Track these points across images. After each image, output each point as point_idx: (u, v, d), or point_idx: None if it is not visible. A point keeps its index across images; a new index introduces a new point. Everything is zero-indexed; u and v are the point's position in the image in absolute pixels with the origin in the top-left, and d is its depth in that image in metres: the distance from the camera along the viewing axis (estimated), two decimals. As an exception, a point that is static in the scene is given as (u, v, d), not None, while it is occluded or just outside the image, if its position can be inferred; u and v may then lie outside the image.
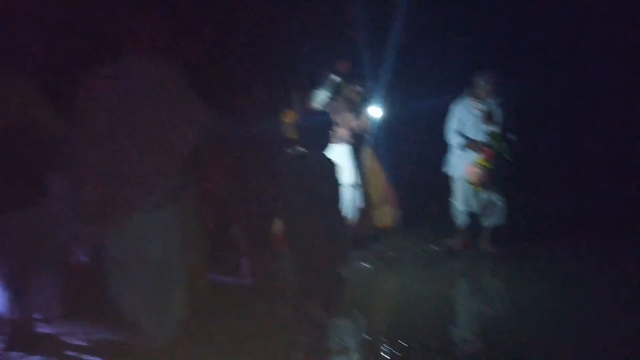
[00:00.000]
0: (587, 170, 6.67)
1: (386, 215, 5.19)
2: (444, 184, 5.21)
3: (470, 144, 4.83)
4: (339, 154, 4.62)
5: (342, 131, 4.64)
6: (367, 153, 5.05)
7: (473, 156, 4.84)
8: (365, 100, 4.95)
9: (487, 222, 5.08)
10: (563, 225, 5.68)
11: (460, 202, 5.04)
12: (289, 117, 4.13)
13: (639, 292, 4.10)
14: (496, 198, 4.98)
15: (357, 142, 4.76)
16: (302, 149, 3.20)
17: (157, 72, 2.73)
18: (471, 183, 4.87)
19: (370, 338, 3.62)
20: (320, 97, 4.54)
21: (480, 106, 4.84)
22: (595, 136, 6.75)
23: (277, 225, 3.44)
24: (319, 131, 3.20)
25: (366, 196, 4.96)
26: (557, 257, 4.93)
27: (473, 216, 5.08)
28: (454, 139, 4.91)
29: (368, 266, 4.80)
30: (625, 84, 6.71)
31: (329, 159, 3.28)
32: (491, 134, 4.78)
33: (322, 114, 3.43)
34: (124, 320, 2.90)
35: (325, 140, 3.24)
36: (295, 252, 3.24)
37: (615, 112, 6.80)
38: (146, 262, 2.72)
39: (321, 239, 3.12)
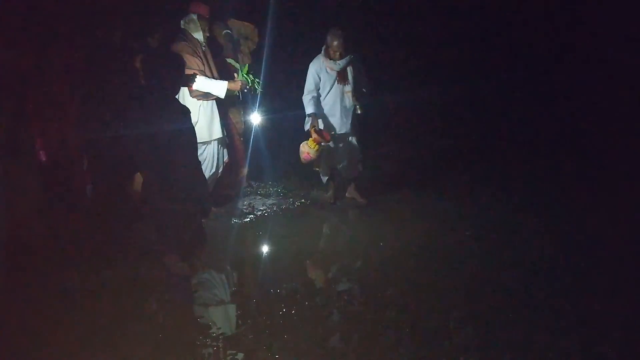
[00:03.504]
0: (442, 120, 7.19)
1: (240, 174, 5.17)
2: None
3: (312, 120, 4.86)
4: (205, 107, 4.49)
5: (203, 82, 4.41)
6: (234, 109, 4.95)
7: (330, 122, 4.93)
8: (231, 48, 4.83)
9: (350, 175, 5.26)
10: (421, 171, 6.09)
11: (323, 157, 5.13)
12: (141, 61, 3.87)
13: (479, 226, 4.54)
14: (356, 151, 5.16)
15: (223, 98, 4.59)
16: (151, 93, 3.03)
17: None
18: (303, 161, 4.90)
19: (241, 290, 3.64)
20: (180, 41, 4.36)
21: (333, 65, 4.91)
22: (446, 89, 7.24)
23: (137, 180, 3.27)
24: (169, 73, 3.04)
25: (231, 152, 4.88)
26: (417, 203, 5.27)
27: (336, 170, 5.22)
28: (304, 99, 4.96)
29: (237, 220, 4.77)
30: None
31: (180, 104, 3.16)
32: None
33: (172, 56, 3.23)
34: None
35: (174, 82, 3.10)
36: (153, 204, 3.10)
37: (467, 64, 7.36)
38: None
39: (178, 190, 3.01)
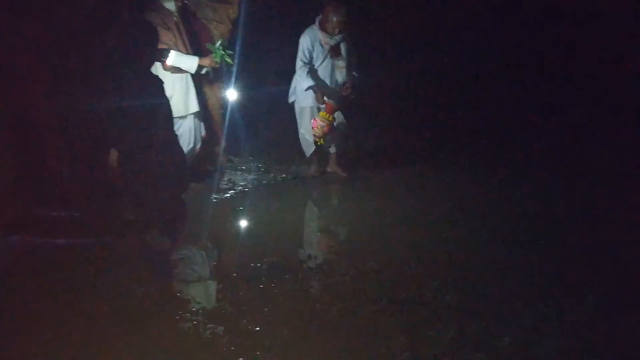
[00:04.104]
0: (427, 103, 7.15)
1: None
2: (290, 114, 5.24)
3: (317, 95, 4.84)
4: (179, 81, 4.40)
5: (175, 57, 4.29)
6: (211, 83, 4.86)
7: (315, 98, 4.87)
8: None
9: (334, 148, 5.24)
10: (401, 148, 6.09)
11: (308, 131, 5.10)
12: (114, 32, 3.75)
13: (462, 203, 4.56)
14: (343, 125, 5.14)
15: (199, 72, 4.48)
16: (124, 66, 2.96)
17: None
18: (315, 136, 4.89)
19: (220, 265, 3.62)
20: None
21: (329, 39, 4.85)
22: (438, 72, 7.20)
23: (112, 155, 3.21)
24: (143, 45, 2.97)
25: (208, 126, 4.81)
26: (399, 177, 5.27)
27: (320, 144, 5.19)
28: (300, 72, 4.89)
29: (217, 196, 4.73)
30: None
31: (155, 77, 3.10)
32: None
33: (146, 27, 3.14)
34: None
35: (148, 54, 3.03)
36: (130, 180, 3.05)
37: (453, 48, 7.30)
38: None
39: (155, 164, 2.96)
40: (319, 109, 4.97)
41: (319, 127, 4.81)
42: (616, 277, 3.28)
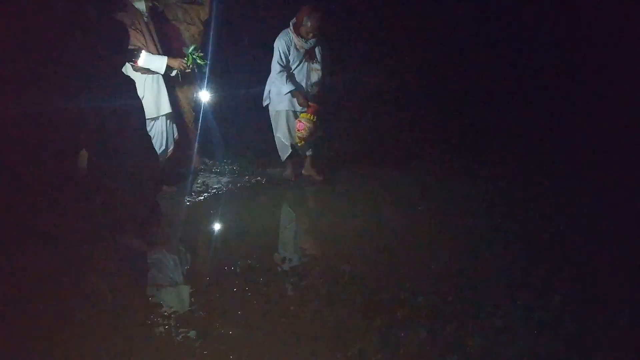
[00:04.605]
0: (407, 106, 7.21)
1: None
2: (265, 117, 5.22)
3: (298, 98, 4.87)
4: (150, 82, 4.34)
5: (146, 58, 4.24)
6: (182, 84, 4.81)
7: (294, 100, 4.89)
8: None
9: (309, 152, 5.24)
10: (375, 151, 6.12)
11: (283, 134, 5.09)
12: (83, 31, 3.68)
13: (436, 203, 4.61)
14: (318, 129, 5.14)
15: (169, 72, 4.43)
16: (94, 65, 2.91)
17: None
18: (300, 137, 4.92)
19: (194, 269, 3.59)
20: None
21: (303, 43, 4.86)
22: (420, 73, 7.27)
23: (81, 157, 3.15)
24: (113, 44, 2.92)
25: (181, 128, 4.77)
26: (375, 180, 5.28)
27: (295, 147, 5.18)
28: (278, 77, 4.89)
29: (190, 199, 4.69)
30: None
31: (126, 77, 3.06)
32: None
33: (117, 26, 3.10)
34: None
35: (117, 53, 2.98)
36: (99, 182, 3.00)
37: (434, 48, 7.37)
38: None
39: (127, 166, 2.92)
40: (294, 113, 4.97)
41: (306, 128, 4.85)
42: (581, 276, 3.34)
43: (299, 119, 4.90)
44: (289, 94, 4.89)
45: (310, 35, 4.83)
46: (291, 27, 4.87)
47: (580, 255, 3.61)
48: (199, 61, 4.48)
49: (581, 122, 6.24)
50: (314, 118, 4.87)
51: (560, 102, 6.78)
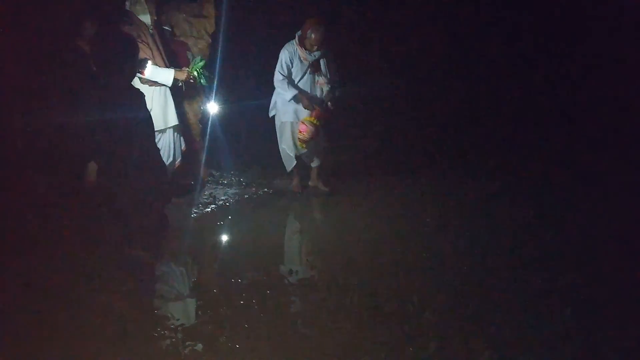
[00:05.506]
0: (412, 116, 7.20)
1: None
2: (271, 128, 5.24)
3: (303, 101, 4.88)
4: (158, 94, 4.37)
5: (152, 70, 4.27)
6: (190, 96, 4.83)
7: (301, 108, 4.92)
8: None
9: (315, 163, 5.25)
10: (381, 162, 6.12)
11: (288, 145, 5.10)
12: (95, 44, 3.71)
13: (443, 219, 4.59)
14: (322, 140, 5.15)
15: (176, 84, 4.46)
16: (105, 78, 2.93)
17: None
18: (300, 140, 4.94)
19: (201, 281, 3.58)
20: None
21: (307, 55, 4.89)
22: (425, 84, 7.27)
23: (90, 169, 3.16)
24: (124, 57, 2.94)
25: (188, 140, 4.79)
26: (380, 191, 5.28)
27: (300, 158, 5.20)
28: (280, 85, 4.91)
29: (197, 210, 4.69)
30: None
31: (137, 90, 3.08)
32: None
33: (127, 39, 3.12)
34: None
35: (130, 67, 3.00)
36: (109, 194, 3.01)
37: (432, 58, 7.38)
38: None
39: (136, 177, 2.93)
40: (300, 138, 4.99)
41: (308, 131, 4.86)
42: (597, 293, 3.30)
43: (302, 120, 4.91)
44: (294, 104, 4.91)
45: (315, 47, 4.87)
46: (296, 39, 4.91)
47: (598, 272, 3.56)
48: (202, 80, 4.54)
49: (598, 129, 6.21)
50: (316, 121, 4.89)
51: (577, 110, 6.72)
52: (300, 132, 4.92)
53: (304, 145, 4.99)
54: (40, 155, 3.60)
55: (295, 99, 4.89)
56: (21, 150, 3.53)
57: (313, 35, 4.83)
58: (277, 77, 4.92)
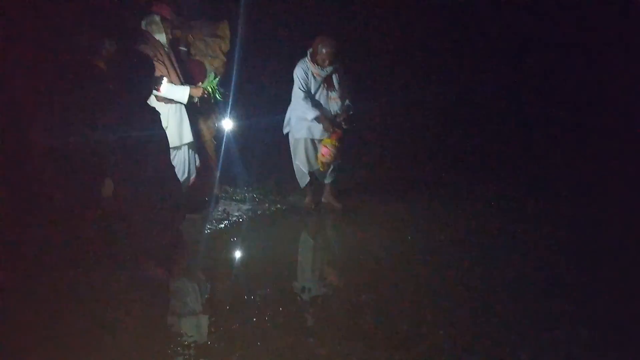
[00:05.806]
0: (423, 134, 7.21)
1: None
2: (285, 145, 5.26)
3: (324, 123, 4.92)
4: (173, 111, 4.42)
5: (168, 87, 4.33)
6: (205, 113, 4.88)
7: (315, 125, 4.93)
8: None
9: (328, 179, 5.25)
10: (396, 179, 6.11)
11: (302, 162, 5.12)
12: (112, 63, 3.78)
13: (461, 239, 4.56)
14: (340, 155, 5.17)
15: (191, 101, 4.52)
16: (122, 97, 2.98)
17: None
18: (323, 162, 4.97)
19: (214, 297, 3.58)
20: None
21: (319, 71, 4.92)
22: (434, 101, 7.28)
23: (107, 186, 3.21)
24: (141, 76, 3.00)
25: (203, 156, 4.83)
26: (394, 209, 5.26)
27: (314, 175, 5.20)
28: (303, 103, 4.94)
29: (211, 226, 4.71)
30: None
31: (152, 108, 3.12)
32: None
33: (144, 58, 3.18)
34: None
35: (146, 85, 3.05)
36: (127, 209, 3.04)
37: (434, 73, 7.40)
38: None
39: (152, 195, 2.96)
40: (312, 141, 5.01)
41: (330, 154, 4.91)
42: (611, 313, 3.26)
43: (323, 143, 4.94)
44: (309, 121, 4.93)
45: (326, 62, 4.89)
46: (308, 56, 4.94)
47: (613, 296, 3.49)
48: (218, 96, 4.60)
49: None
50: (337, 143, 4.92)
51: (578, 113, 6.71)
52: (322, 155, 4.96)
53: (324, 167, 5.03)
54: (58, 171, 3.65)
55: (317, 118, 4.91)
56: (40, 166, 3.58)
57: (324, 50, 4.85)
58: (299, 95, 4.92)
